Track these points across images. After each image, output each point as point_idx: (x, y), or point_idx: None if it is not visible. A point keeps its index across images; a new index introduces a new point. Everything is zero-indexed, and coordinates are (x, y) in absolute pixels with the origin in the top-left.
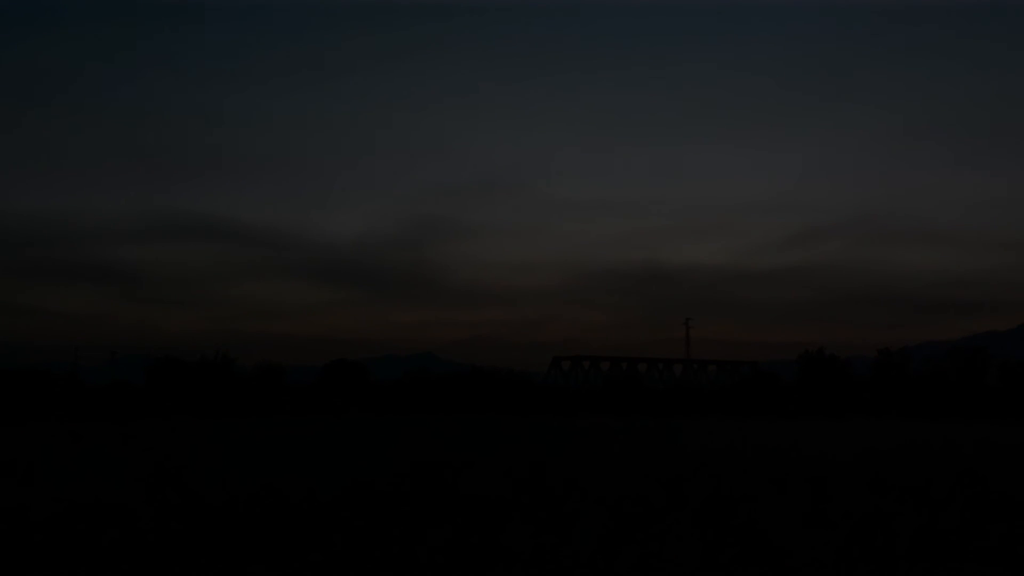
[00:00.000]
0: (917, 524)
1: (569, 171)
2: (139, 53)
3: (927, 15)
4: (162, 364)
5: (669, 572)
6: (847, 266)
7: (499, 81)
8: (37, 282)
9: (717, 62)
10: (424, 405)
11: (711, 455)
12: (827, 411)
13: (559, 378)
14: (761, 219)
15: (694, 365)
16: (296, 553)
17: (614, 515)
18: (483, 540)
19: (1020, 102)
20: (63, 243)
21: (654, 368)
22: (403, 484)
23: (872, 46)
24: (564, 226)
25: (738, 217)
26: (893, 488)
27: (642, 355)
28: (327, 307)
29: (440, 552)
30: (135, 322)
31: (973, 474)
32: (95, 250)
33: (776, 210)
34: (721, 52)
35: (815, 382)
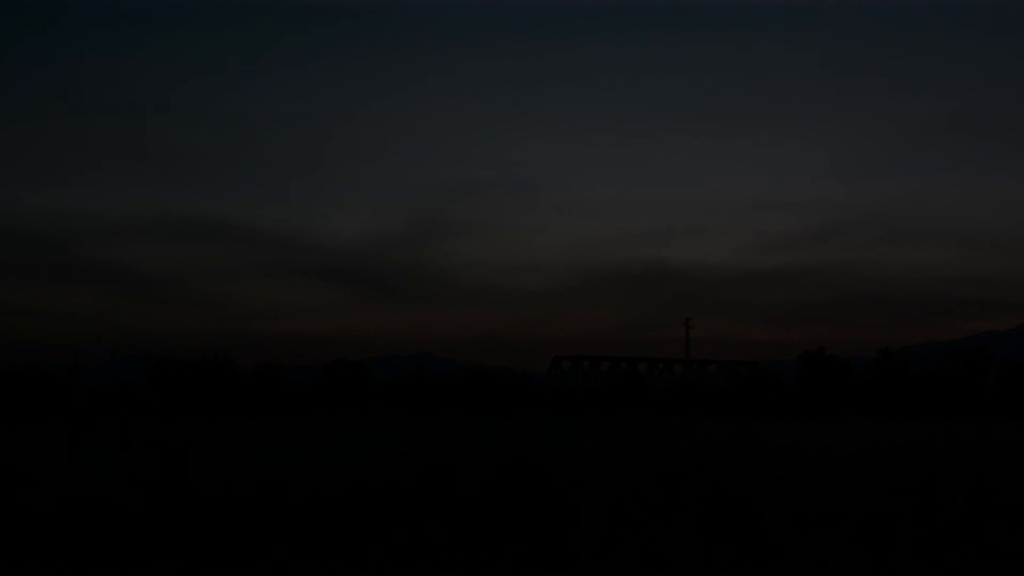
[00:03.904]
0: (917, 524)
1: (570, 171)
2: (138, 53)
3: (934, 15)
4: (162, 364)
5: (669, 572)
6: (847, 266)
7: (501, 81)
8: (37, 282)
9: (719, 62)
10: (424, 405)
11: (711, 455)
12: (827, 411)
13: (559, 378)
14: (762, 219)
15: (694, 365)
16: (296, 551)
17: (614, 515)
18: (483, 539)
19: (1022, 103)
20: (63, 243)
21: (654, 368)
22: (403, 483)
23: (875, 47)
24: (564, 226)
25: (739, 217)
26: (893, 488)
27: (642, 355)
28: (327, 307)
29: (440, 552)
30: (135, 322)
31: (973, 474)
32: (95, 250)
33: (777, 210)
34: (723, 52)
35: (815, 382)
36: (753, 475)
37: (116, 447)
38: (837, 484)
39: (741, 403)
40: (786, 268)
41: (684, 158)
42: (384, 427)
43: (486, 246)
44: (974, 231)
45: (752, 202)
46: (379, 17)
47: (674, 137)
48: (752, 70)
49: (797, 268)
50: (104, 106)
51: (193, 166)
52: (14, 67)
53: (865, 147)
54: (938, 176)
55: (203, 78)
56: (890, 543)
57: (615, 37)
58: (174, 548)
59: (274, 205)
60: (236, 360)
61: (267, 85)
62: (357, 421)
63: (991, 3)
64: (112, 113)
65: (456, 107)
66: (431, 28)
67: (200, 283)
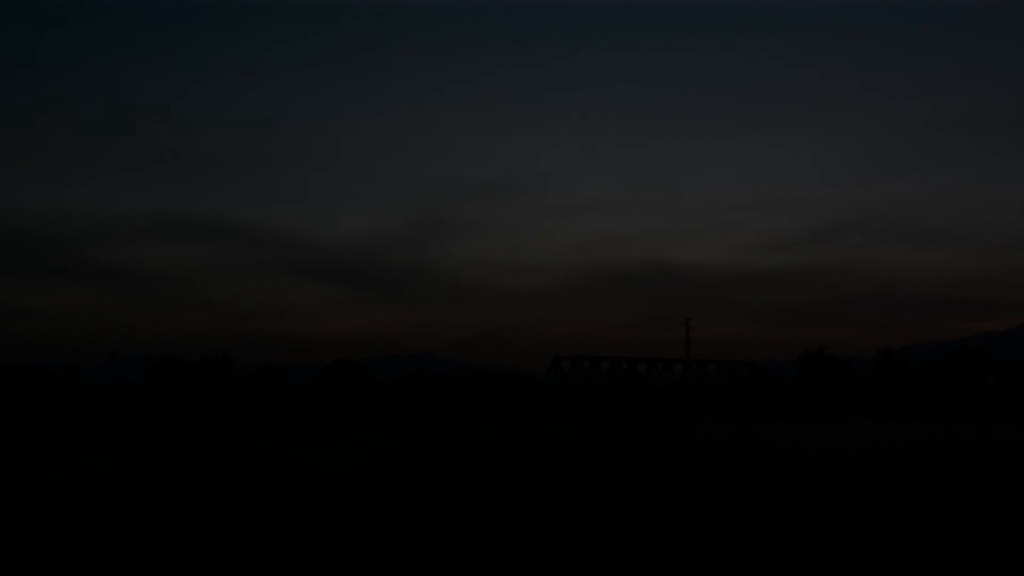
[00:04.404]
0: (917, 524)
1: (570, 171)
2: (137, 53)
3: (931, 16)
4: (162, 364)
5: (669, 572)
6: (847, 266)
7: (501, 81)
8: (37, 282)
9: (719, 63)
10: (424, 405)
11: (711, 455)
12: (827, 411)
13: (559, 378)
14: (762, 219)
15: (694, 365)
16: (296, 551)
17: (614, 515)
18: (483, 539)
19: (1021, 103)
20: (63, 243)
21: (654, 368)
22: (403, 484)
23: (875, 48)
24: (565, 226)
25: (739, 217)
26: (893, 488)
27: (642, 355)
28: (327, 307)
29: (440, 552)
30: (135, 322)
31: (973, 474)
32: (96, 250)
33: (777, 210)
34: (723, 53)
35: (815, 382)
36: (753, 475)
37: (116, 447)
38: (837, 484)
39: (741, 403)
40: (786, 268)
41: (684, 159)
42: (384, 427)
43: (486, 246)
44: (974, 231)
45: (752, 202)
46: (379, 19)
47: (674, 138)
48: (752, 72)
49: (797, 268)
50: (105, 108)
51: (193, 167)
52: (15, 69)
53: (865, 148)
54: (938, 176)
55: (203, 80)
56: (890, 543)
57: (614, 40)
58: (174, 548)
59: (274, 205)
60: (236, 360)
61: (268, 87)
62: (357, 421)
63: (991, 5)
64: (112, 115)
65: (457, 108)
66: (432, 30)
67: (200, 283)
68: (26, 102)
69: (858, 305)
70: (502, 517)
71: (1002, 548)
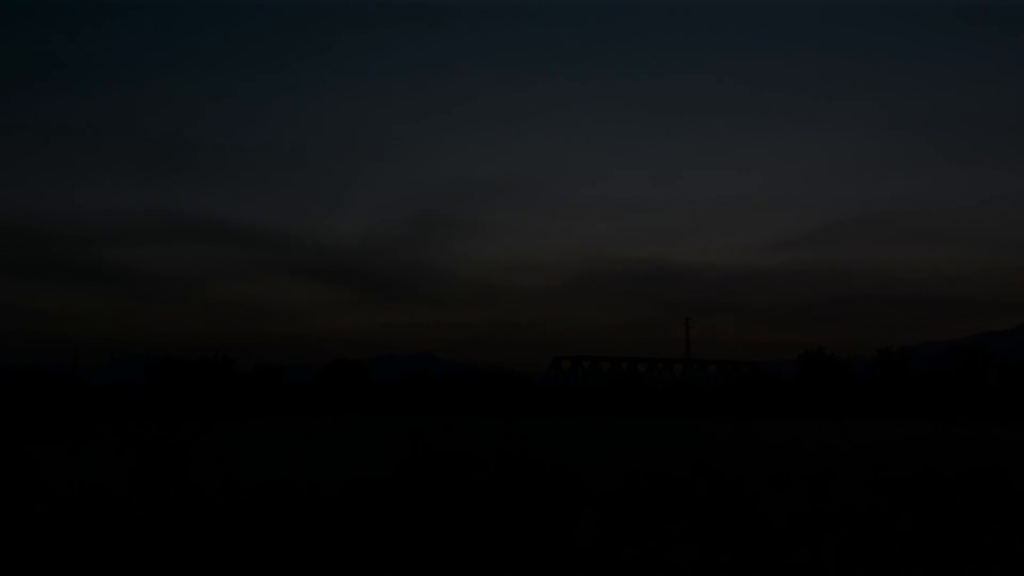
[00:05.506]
0: (917, 524)
1: (570, 170)
2: (137, 51)
3: (927, 13)
4: (162, 364)
5: (669, 572)
6: (847, 266)
7: (501, 79)
8: (38, 282)
9: (719, 61)
10: (424, 405)
11: (711, 455)
12: (827, 411)
13: (559, 378)
14: (762, 219)
15: (694, 365)
16: (296, 551)
17: (614, 515)
18: (484, 540)
19: (1021, 102)
20: (63, 243)
21: (654, 368)
22: (403, 484)
23: (875, 44)
24: (565, 226)
25: (739, 217)
26: (893, 488)
27: (642, 355)
28: (327, 307)
29: (441, 551)
30: (135, 322)
31: (973, 474)
32: (95, 250)
33: (777, 210)
34: (723, 51)
35: (815, 382)
36: (753, 475)
37: (116, 447)
38: (837, 484)
39: (741, 403)
40: (786, 268)
41: (684, 157)
42: (384, 427)
43: (486, 246)
44: (974, 231)
45: (752, 202)
46: (381, 23)
47: (674, 138)
48: (752, 70)
49: (797, 268)
50: (107, 110)
51: (193, 167)
52: (24, 71)
53: (866, 147)
54: (938, 176)
55: (207, 84)
56: (890, 543)
57: (616, 44)
58: (174, 548)
59: (274, 205)
60: (236, 360)
61: (266, 87)
62: (357, 421)
63: (994, 5)
64: (114, 117)
65: (457, 108)
66: (433, 31)
67: (200, 283)
68: (33, 105)
69: (858, 305)
70: (502, 517)
71: (1002, 548)
